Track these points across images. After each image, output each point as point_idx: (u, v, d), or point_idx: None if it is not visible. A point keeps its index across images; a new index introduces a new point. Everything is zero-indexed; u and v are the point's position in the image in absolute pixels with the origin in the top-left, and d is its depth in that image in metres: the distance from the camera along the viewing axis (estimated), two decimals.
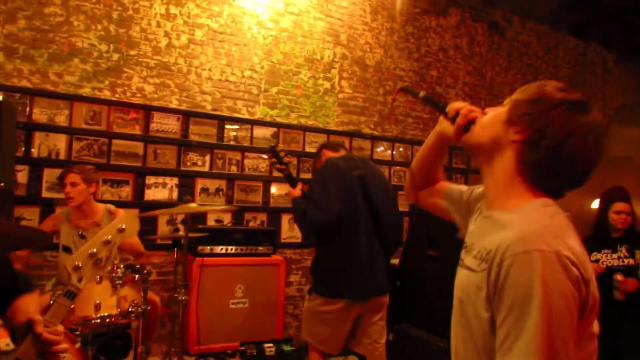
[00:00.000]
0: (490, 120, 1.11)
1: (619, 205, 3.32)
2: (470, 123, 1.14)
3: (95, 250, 1.18)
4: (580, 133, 0.97)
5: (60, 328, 1.18)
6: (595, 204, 3.69)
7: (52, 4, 3.67)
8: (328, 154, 2.97)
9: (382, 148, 5.29)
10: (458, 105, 1.18)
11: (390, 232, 2.73)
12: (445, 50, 5.81)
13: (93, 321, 2.25)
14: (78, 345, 2.20)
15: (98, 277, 2.34)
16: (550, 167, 1.00)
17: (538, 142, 0.99)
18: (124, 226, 1.21)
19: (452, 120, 1.19)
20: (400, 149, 5.40)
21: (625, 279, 3.16)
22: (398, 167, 5.32)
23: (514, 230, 0.92)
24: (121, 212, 3.20)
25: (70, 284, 1.18)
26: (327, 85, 4.92)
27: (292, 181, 2.95)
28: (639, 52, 7.56)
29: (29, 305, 1.36)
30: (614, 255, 3.29)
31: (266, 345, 3.79)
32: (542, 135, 0.99)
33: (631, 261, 3.24)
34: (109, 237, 1.20)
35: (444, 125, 1.27)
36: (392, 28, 5.36)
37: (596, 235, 3.43)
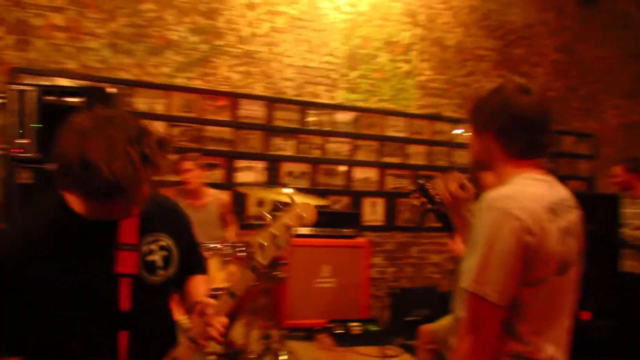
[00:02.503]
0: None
1: None
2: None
3: (277, 232, 1.28)
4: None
5: (226, 320, 1.28)
6: None
7: (147, 0, 3.95)
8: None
9: (462, 130, 5.14)
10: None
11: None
12: (531, 26, 5.53)
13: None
14: None
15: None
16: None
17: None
18: (303, 214, 1.30)
19: None
20: None
21: None
22: None
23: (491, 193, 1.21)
24: (230, 202, 3.45)
25: (256, 260, 1.29)
26: (406, 68, 4.87)
27: (450, 229, 2.37)
28: None
29: (200, 286, 1.46)
30: None
31: (352, 324, 3.85)
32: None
33: None
34: (290, 223, 1.30)
35: None
36: (472, 6, 5.18)
37: None
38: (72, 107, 3.08)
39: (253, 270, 1.30)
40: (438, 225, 2.42)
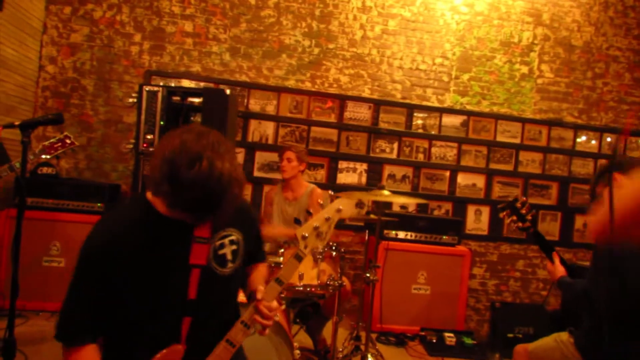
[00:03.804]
0: None
1: None
2: None
3: (318, 224, 1.39)
4: None
5: (275, 304, 1.40)
6: None
7: (267, 7, 4.18)
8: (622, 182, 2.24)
9: (584, 138, 4.73)
10: None
11: None
12: None
13: (297, 288, 2.55)
14: (283, 306, 2.53)
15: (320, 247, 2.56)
16: None
17: None
18: (341, 207, 1.41)
19: None
20: (608, 139, 4.75)
21: None
22: (605, 161, 4.70)
23: None
24: (320, 192, 3.50)
25: (299, 249, 1.41)
26: (525, 70, 4.58)
27: (547, 249, 2.38)
28: None
29: (260, 273, 1.61)
30: None
31: (447, 334, 3.78)
32: None
33: None
34: (329, 215, 1.42)
35: None
36: (606, 2, 4.71)
37: None
38: (193, 107, 3.39)
39: (297, 259, 1.41)
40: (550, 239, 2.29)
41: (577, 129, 4.67)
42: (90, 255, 1.26)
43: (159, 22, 4.09)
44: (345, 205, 1.42)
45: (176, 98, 3.39)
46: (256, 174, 4.20)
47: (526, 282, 4.61)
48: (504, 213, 2.52)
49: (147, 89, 3.36)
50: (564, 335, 2.32)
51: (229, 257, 1.41)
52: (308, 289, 2.57)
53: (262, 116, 4.20)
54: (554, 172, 4.65)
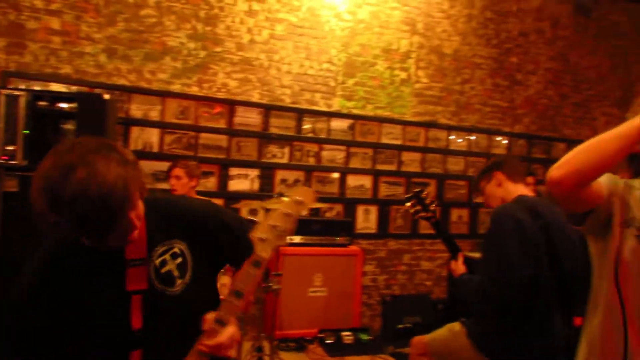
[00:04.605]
0: None
1: None
2: None
3: (277, 223, 1.23)
4: None
5: (226, 335, 1.18)
6: None
7: (147, 6, 3.90)
8: (502, 180, 2.37)
9: (456, 138, 5.18)
10: None
11: (579, 301, 2.06)
12: (526, 35, 5.56)
13: None
14: None
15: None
16: None
17: None
18: (301, 198, 1.25)
19: None
20: (472, 138, 5.26)
21: None
22: (474, 158, 5.20)
23: None
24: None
25: (256, 254, 1.22)
26: (404, 75, 4.88)
27: (449, 243, 2.49)
28: None
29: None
30: None
31: (344, 333, 3.90)
32: None
33: None
34: (289, 210, 1.24)
35: None
36: (470, 14, 5.19)
37: None
38: (64, 113, 3.05)
39: (256, 266, 1.22)
40: (430, 232, 2.44)
41: (450, 129, 5.10)
42: (19, 304, 1.16)
43: (17, 17, 3.59)
44: (304, 195, 1.25)
45: (43, 103, 3.03)
46: None
47: (412, 275, 4.94)
48: (410, 203, 2.66)
49: (5, 92, 2.94)
50: (457, 326, 2.51)
51: (176, 273, 1.25)
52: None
53: (145, 122, 3.92)
54: (432, 170, 5.03)
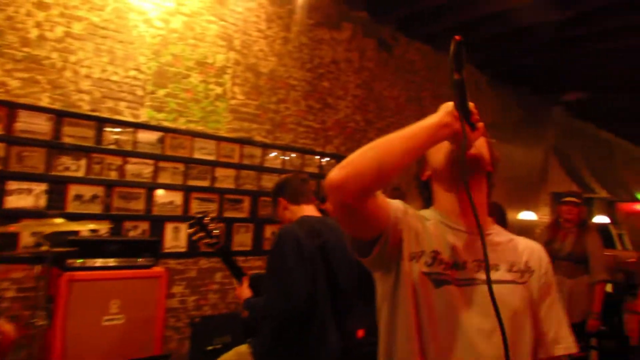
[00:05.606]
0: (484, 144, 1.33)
1: None
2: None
3: None
4: None
5: None
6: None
7: None
8: (285, 204, 2.51)
9: (275, 154, 5.30)
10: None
11: (350, 317, 2.32)
12: (337, 63, 6.00)
13: None
14: None
15: None
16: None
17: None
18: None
19: (473, 126, 1.18)
20: (287, 159, 5.46)
21: None
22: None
23: (533, 246, 1.30)
24: None
25: None
26: (219, 90, 4.81)
27: (233, 268, 2.51)
28: (508, 77, 8.47)
29: None
30: None
31: None
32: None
33: None
34: None
35: (457, 126, 1.14)
36: (286, 37, 5.39)
37: None
38: None
39: None
40: (244, 249, 2.41)
41: (265, 147, 5.19)
42: None
43: None
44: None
45: None
46: None
47: (224, 293, 4.84)
48: (193, 229, 2.57)
49: None
50: (243, 347, 2.53)
51: None
52: None
53: None
54: (246, 186, 5.04)
